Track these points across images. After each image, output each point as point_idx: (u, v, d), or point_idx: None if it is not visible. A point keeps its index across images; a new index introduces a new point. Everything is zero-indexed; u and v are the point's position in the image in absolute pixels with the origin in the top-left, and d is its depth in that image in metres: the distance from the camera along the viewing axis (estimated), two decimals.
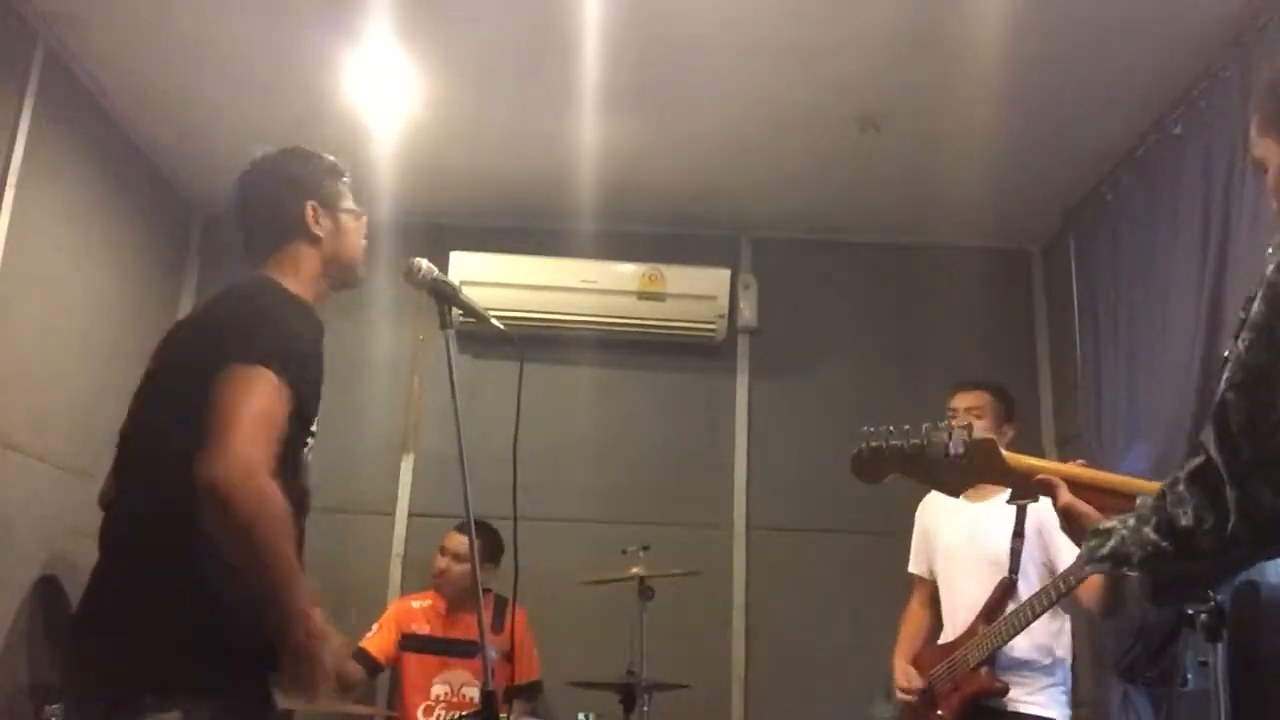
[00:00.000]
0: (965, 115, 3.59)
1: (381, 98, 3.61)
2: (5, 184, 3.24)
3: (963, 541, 3.13)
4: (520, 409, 2.16)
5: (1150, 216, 3.55)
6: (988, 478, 1.66)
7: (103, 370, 3.83)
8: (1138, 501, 1.42)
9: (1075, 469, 1.69)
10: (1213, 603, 1.51)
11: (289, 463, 1.81)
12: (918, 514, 3.31)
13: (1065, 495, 1.58)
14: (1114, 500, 1.54)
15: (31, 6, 3.27)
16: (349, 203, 2.11)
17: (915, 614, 3.29)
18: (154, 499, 1.79)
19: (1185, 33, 3.13)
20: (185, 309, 4.48)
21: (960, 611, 3.08)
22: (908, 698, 3.09)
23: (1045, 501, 3.04)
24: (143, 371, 1.95)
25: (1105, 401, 3.73)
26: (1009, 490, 3.04)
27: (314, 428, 1.94)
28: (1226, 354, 1.31)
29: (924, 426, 1.58)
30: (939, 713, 3.00)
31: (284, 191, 2.05)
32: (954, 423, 3.06)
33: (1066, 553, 3.04)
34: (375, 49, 3.36)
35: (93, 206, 3.77)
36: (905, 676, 3.12)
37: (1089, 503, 1.57)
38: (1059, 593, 2.81)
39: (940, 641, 3.15)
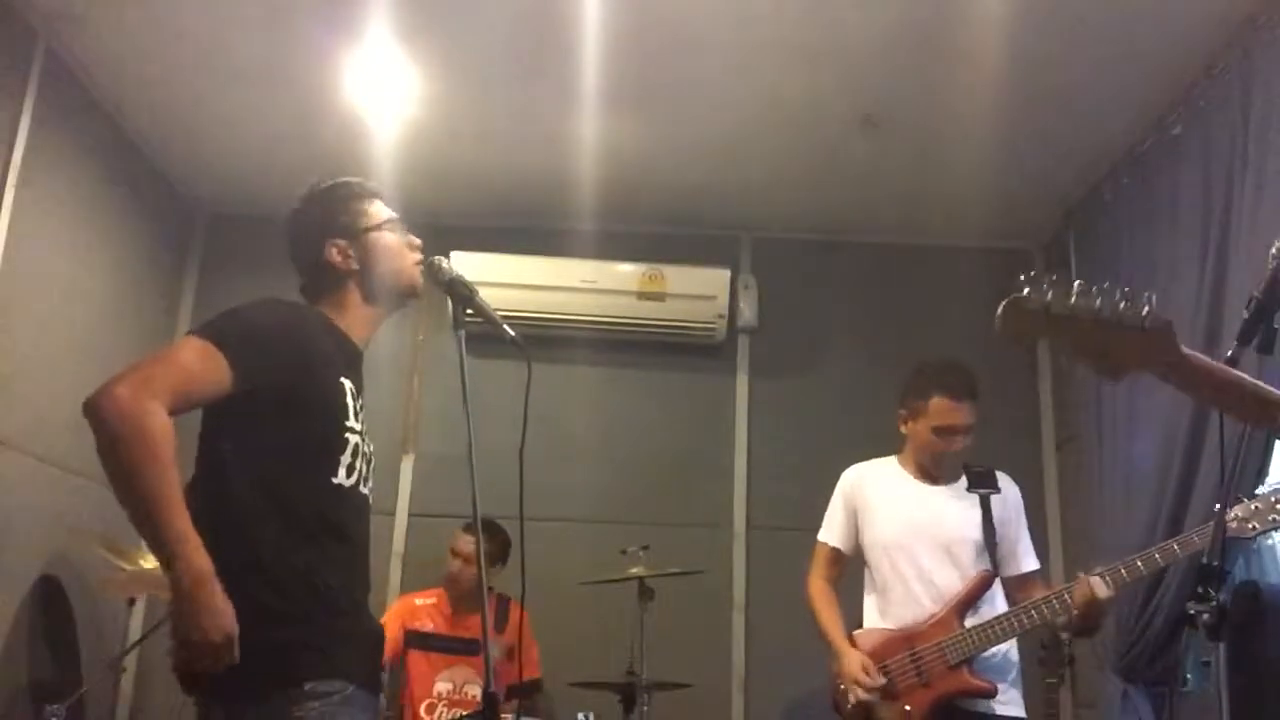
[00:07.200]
0: (965, 115, 3.59)
1: (381, 98, 3.61)
2: (5, 184, 3.23)
3: (924, 521, 2.97)
4: (525, 411, 2.15)
5: (1150, 216, 3.55)
6: (1156, 363, 1.37)
7: (103, 370, 3.78)
8: None
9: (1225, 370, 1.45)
10: (1214, 602, 1.50)
11: (314, 455, 1.83)
12: (844, 488, 3.15)
13: None
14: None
15: (31, 6, 3.27)
16: (376, 219, 2.06)
17: (828, 589, 3.11)
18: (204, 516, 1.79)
19: (1185, 33, 3.13)
20: (185, 309, 4.50)
21: (922, 595, 2.91)
22: (866, 696, 2.81)
23: (1006, 493, 3.05)
24: None
25: (1105, 401, 3.73)
26: (965, 478, 3.03)
27: (346, 418, 1.90)
28: (1229, 354, 1.31)
29: (1093, 287, 1.35)
30: (906, 709, 2.80)
31: (307, 240, 2.04)
32: (958, 438, 3.00)
33: (1024, 554, 3.01)
34: (375, 49, 3.36)
35: (93, 206, 3.77)
36: (863, 668, 2.84)
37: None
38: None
39: (886, 625, 2.95)
